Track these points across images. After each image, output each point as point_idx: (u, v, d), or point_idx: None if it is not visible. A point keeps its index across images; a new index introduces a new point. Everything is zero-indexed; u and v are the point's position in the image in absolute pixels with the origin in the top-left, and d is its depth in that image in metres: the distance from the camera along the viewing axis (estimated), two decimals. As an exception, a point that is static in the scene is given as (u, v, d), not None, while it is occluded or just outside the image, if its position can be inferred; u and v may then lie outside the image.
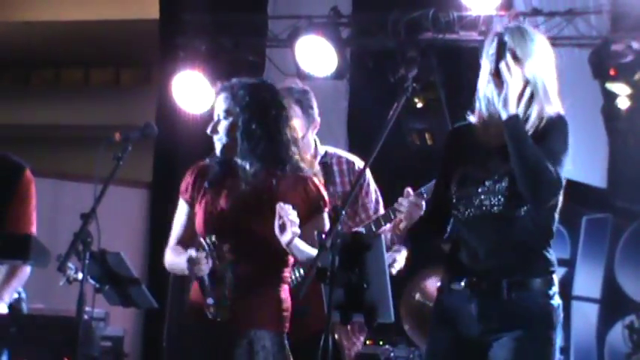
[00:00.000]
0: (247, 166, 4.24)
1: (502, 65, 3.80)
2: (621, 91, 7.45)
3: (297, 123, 4.73)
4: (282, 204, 4.04)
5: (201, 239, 4.15)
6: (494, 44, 3.87)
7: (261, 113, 4.25)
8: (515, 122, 3.78)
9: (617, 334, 7.92)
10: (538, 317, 3.80)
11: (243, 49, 8.41)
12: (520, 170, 3.74)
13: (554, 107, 3.88)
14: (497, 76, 3.83)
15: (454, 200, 3.91)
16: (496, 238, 3.82)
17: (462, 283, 3.85)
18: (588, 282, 8.25)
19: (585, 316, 8.18)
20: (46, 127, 14.61)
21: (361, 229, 4.64)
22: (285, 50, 8.03)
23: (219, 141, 4.29)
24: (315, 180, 4.30)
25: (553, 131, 3.83)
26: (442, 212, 3.99)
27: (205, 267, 4.11)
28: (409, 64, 7.53)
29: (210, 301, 4.17)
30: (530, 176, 3.72)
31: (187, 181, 4.37)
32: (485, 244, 3.83)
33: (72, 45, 13.82)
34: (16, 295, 4.73)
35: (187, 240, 4.33)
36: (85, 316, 4.07)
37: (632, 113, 7.49)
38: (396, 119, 3.97)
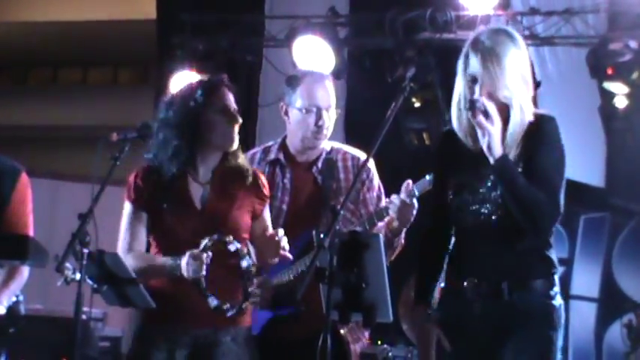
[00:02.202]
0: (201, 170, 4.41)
1: (480, 119, 3.73)
2: (619, 90, 7.45)
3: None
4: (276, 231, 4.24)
5: (203, 240, 4.17)
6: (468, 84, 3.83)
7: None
8: (504, 165, 3.74)
9: (616, 332, 7.92)
10: (539, 318, 3.79)
11: (241, 49, 8.41)
12: (516, 209, 3.73)
13: (530, 116, 3.81)
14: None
15: (452, 208, 3.90)
16: (496, 244, 3.81)
17: (464, 285, 3.84)
18: (586, 281, 8.25)
19: (583, 315, 8.18)
20: (43, 127, 14.61)
21: (358, 229, 4.61)
22: (283, 50, 8.02)
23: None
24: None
25: (544, 144, 3.78)
26: (446, 222, 3.97)
27: (204, 266, 4.13)
28: (407, 63, 7.53)
29: (213, 301, 4.19)
30: (527, 214, 3.72)
31: (140, 187, 4.37)
32: (485, 250, 3.82)
33: (69, 45, 13.84)
34: (14, 299, 4.71)
35: (140, 246, 4.38)
36: (83, 317, 4.06)
37: (630, 112, 7.48)
38: (394, 119, 3.96)
